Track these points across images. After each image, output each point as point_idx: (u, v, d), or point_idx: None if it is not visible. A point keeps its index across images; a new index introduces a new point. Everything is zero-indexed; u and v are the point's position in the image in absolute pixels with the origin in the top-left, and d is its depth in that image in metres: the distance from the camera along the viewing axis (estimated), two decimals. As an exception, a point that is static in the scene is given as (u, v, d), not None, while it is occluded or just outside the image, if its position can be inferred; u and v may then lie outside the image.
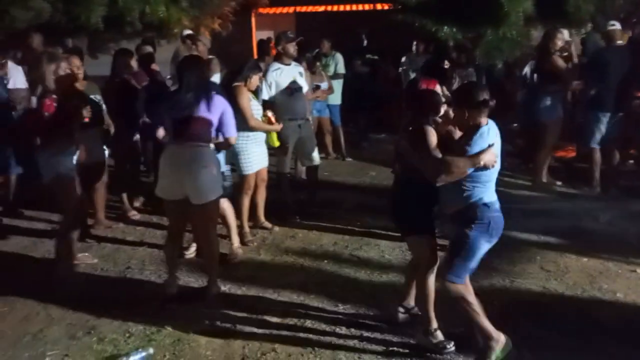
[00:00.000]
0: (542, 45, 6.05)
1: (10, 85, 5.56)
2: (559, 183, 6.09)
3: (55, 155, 4.00)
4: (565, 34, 6.22)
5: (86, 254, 4.37)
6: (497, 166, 2.88)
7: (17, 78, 5.69)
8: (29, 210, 5.38)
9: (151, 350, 3.14)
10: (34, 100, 5.68)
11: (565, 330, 3.32)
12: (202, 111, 3.48)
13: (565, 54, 6.09)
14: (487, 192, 2.89)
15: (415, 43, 8.05)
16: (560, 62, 5.84)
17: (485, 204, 2.87)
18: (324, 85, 6.68)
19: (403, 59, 8.16)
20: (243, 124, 4.26)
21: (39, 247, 4.59)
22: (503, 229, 2.95)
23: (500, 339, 2.96)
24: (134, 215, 5.28)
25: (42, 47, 6.63)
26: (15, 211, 5.33)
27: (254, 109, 4.50)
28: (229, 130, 3.60)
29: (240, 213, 4.60)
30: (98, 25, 6.09)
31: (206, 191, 3.52)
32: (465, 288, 2.95)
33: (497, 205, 2.94)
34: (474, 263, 2.94)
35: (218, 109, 3.53)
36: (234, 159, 4.54)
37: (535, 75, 6.16)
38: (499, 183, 3.01)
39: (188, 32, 6.99)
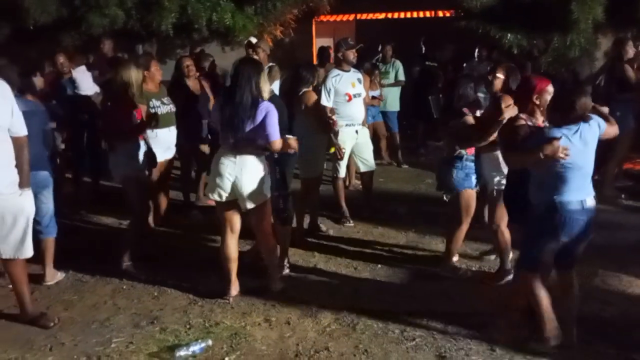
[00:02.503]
0: (612, 54, 5.85)
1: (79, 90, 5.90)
2: (624, 196, 5.86)
3: (125, 156, 4.23)
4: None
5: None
6: (575, 165, 2.95)
7: (85, 83, 6.02)
8: (98, 207, 5.68)
9: (210, 342, 3.28)
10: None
11: (626, 345, 3.21)
12: (247, 117, 3.50)
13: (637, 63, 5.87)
14: (561, 189, 2.99)
15: (477, 50, 7.95)
16: (631, 72, 5.63)
17: (559, 202, 2.99)
18: (376, 93, 6.81)
19: (464, 66, 8.07)
20: (311, 127, 4.31)
21: (106, 242, 4.84)
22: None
23: (554, 335, 3.11)
24: (197, 215, 5.49)
25: (113, 53, 7.05)
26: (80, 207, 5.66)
27: None
28: (272, 134, 3.56)
29: (299, 215, 4.70)
30: (168, 31, 6.41)
31: (254, 196, 3.60)
32: (532, 277, 3.12)
33: (575, 206, 3.00)
34: (537, 253, 3.11)
35: (261, 114, 3.52)
36: (299, 162, 4.57)
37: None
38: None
39: (252, 39, 7.20)
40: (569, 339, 3.17)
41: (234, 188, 3.59)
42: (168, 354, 3.20)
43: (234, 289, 3.79)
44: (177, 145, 5.13)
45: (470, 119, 3.78)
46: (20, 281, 3.51)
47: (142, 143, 4.37)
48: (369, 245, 4.76)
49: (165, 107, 4.96)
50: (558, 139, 2.87)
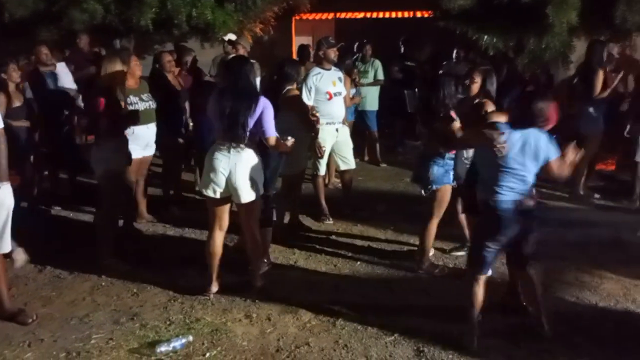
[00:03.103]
0: (586, 57, 6.01)
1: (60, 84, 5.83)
2: (597, 195, 6.03)
3: (106, 151, 4.20)
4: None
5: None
6: (509, 167, 3.10)
7: (65, 78, 5.94)
8: (76, 203, 5.60)
9: (190, 338, 3.29)
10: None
11: (597, 340, 3.33)
12: (245, 112, 3.55)
13: (610, 66, 6.04)
14: (497, 188, 3.15)
15: (455, 50, 8.05)
16: (601, 76, 5.79)
17: (493, 200, 3.17)
18: (352, 92, 6.83)
19: (443, 65, 8.17)
20: (294, 124, 4.34)
21: (84, 239, 4.77)
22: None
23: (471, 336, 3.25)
24: (175, 211, 5.47)
25: (89, 48, 6.97)
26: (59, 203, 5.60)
27: None
28: (269, 130, 3.64)
29: (280, 212, 4.72)
30: (148, 27, 6.35)
31: (248, 191, 3.63)
32: (475, 275, 3.27)
33: (509, 205, 3.13)
34: (479, 252, 3.26)
35: (258, 109, 3.60)
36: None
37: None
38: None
39: (230, 36, 7.16)
40: (542, 331, 3.30)
41: (228, 183, 3.60)
42: (149, 349, 3.20)
43: (215, 285, 3.81)
44: (158, 141, 5.11)
45: (457, 124, 3.80)
46: (-2, 277, 3.47)
47: (124, 139, 4.35)
48: (348, 242, 4.82)
49: (144, 103, 4.93)
50: (502, 132, 3.07)
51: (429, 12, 8.91)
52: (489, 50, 7.23)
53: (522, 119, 3.16)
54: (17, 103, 5.18)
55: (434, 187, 4.04)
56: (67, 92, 6.04)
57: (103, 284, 4.00)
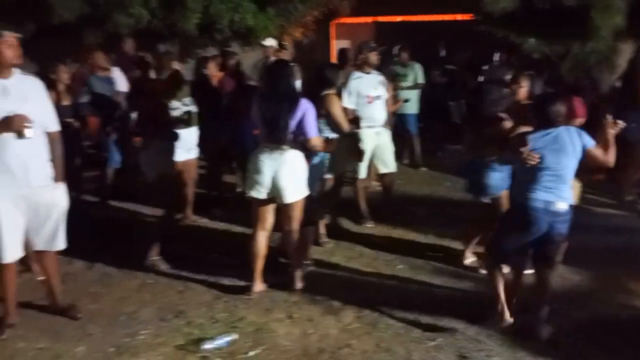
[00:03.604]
0: (633, 62, 5.86)
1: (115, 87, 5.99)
2: (644, 202, 5.87)
3: (157, 153, 4.32)
4: None
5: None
6: (544, 166, 3.18)
7: (120, 81, 6.11)
8: (124, 203, 5.78)
9: (235, 336, 3.35)
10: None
11: (638, 345, 3.27)
12: (286, 114, 3.61)
13: None
14: (529, 187, 3.24)
15: (497, 54, 7.96)
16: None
17: (525, 199, 3.25)
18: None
19: (484, 70, 8.08)
20: (333, 128, 4.38)
21: (132, 238, 4.89)
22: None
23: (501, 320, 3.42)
24: (218, 212, 5.56)
25: (134, 52, 7.15)
26: (106, 203, 5.77)
27: None
28: (311, 131, 3.70)
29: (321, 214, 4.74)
30: (191, 31, 6.52)
31: (292, 192, 3.69)
32: (494, 268, 3.49)
33: (539, 205, 3.21)
34: (502, 246, 3.43)
35: (300, 111, 3.66)
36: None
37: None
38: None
39: (269, 41, 7.20)
40: (538, 333, 3.33)
41: (273, 184, 3.66)
42: (194, 346, 3.27)
43: (258, 285, 3.85)
44: (200, 144, 5.21)
45: (509, 123, 3.81)
46: (51, 273, 3.60)
47: (171, 142, 4.45)
48: (389, 245, 4.81)
49: (186, 108, 5.05)
50: (527, 144, 3.18)
51: (470, 15, 8.84)
52: (533, 54, 7.14)
53: (544, 123, 3.25)
54: (65, 102, 5.37)
55: (495, 193, 4.01)
56: (116, 95, 6.21)
57: (149, 281, 4.11)
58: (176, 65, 5.06)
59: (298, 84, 5.74)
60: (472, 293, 3.95)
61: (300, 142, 3.71)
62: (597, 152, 3.28)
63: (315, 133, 3.73)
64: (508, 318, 3.42)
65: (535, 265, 3.44)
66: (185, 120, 4.93)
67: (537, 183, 3.21)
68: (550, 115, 3.22)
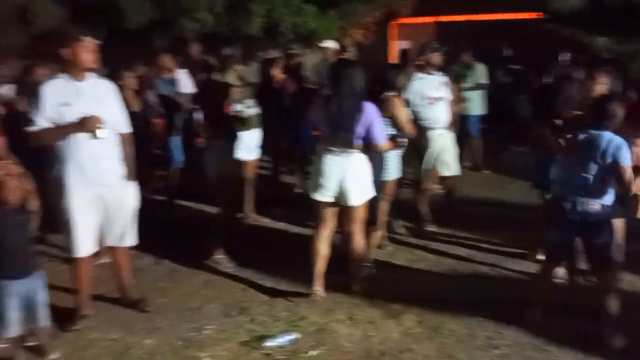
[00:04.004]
0: None
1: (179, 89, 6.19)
2: None
3: (218, 154, 4.43)
4: None
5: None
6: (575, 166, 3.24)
7: (184, 82, 6.31)
8: (190, 201, 5.96)
9: (297, 335, 3.38)
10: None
11: None
12: (353, 117, 3.60)
13: None
14: (561, 185, 3.41)
15: (565, 53, 7.66)
16: None
17: (556, 196, 3.46)
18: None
19: (554, 69, 7.79)
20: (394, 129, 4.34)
21: (197, 235, 5.01)
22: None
23: None
24: (278, 211, 5.65)
25: (200, 55, 7.35)
26: (172, 202, 5.97)
27: None
28: (378, 137, 3.68)
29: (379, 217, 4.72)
30: (254, 34, 6.66)
31: (357, 195, 3.67)
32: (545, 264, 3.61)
33: (566, 204, 3.29)
34: (546, 242, 3.58)
35: (367, 115, 3.64)
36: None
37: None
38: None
39: (329, 42, 7.19)
40: (609, 341, 3.25)
41: (339, 187, 3.66)
42: (257, 343, 3.33)
43: (320, 287, 3.85)
44: (263, 145, 5.31)
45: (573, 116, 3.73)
46: (123, 267, 3.77)
47: (233, 142, 4.56)
48: (451, 250, 4.73)
49: (250, 110, 5.15)
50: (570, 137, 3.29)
51: (535, 13, 8.57)
52: (603, 53, 6.84)
53: (595, 121, 3.22)
54: (134, 108, 5.59)
55: None
56: (179, 96, 6.41)
57: (214, 278, 4.22)
58: (239, 68, 5.16)
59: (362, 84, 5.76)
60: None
61: (368, 148, 3.69)
62: (624, 172, 3.10)
63: (383, 138, 3.71)
64: (538, 318, 3.48)
65: (592, 269, 3.47)
66: (247, 122, 5.04)
67: (570, 181, 3.28)
68: (606, 117, 3.18)
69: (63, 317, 3.50)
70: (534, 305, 3.58)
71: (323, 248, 3.81)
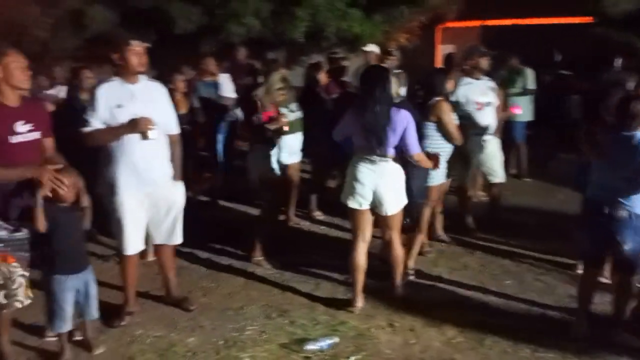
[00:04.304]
0: None
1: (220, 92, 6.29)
2: None
3: (260, 157, 4.48)
4: None
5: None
6: (605, 166, 3.27)
7: (227, 88, 6.41)
8: (233, 203, 6.04)
9: (337, 340, 3.38)
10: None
11: None
12: (386, 124, 3.50)
13: None
14: (591, 186, 3.40)
15: (617, 58, 7.40)
16: None
17: (587, 196, 3.48)
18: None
19: (604, 74, 7.53)
20: (440, 134, 4.30)
21: (239, 236, 5.09)
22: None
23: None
24: (319, 215, 5.67)
25: (245, 60, 7.46)
26: (216, 203, 6.07)
27: None
28: (413, 146, 3.58)
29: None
30: (299, 39, 6.70)
31: (393, 203, 3.63)
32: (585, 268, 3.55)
33: (595, 204, 3.32)
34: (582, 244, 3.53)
35: (402, 123, 3.54)
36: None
37: None
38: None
39: (371, 46, 7.14)
40: (614, 338, 3.33)
41: (374, 195, 3.60)
42: (297, 346, 3.34)
43: (360, 300, 3.78)
44: (305, 148, 5.33)
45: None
46: (168, 266, 3.85)
47: (275, 146, 4.59)
48: (495, 259, 4.62)
49: (292, 114, 5.18)
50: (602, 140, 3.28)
51: (587, 18, 8.33)
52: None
53: (624, 123, 3.21)
54: (182, 110, 5.73)
55: None
56: (220, 99, 6.51)
57: (255, 279, 4.26)
58: (283, 72, 5.20)
59: (404, 90, 5.71)
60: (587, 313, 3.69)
61: (402, 157, 3.63)
62: None
63: (417, 148, 3.60)
64: (584, 330, 3.41)
65: (618, 271, 3.47)
66: (290, 125, 5.06)
67: (604, 183, 3.27)
68: (628, 117, 3.18)
69: (109, 313, 3.60)
70: (579, 316, 3.47)
71: (361, 260, 3.73)
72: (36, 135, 3.06)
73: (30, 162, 3.00)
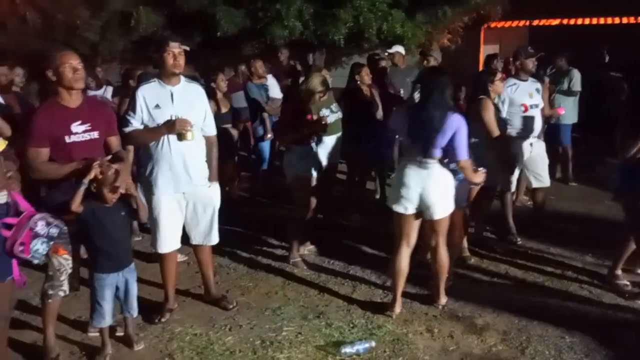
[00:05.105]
0: None
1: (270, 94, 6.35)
2: None
3: (298, 157, 4.48)
4: None
5: (311, 247, 4.81)
6: None
7: (274, 88, 6.46)
8: (273, 202, 6.08)
9: (373, 343, 3.34)
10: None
11: None
12: (435, 128, 3.42)
13: None
14: None
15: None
16: None
17: None
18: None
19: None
20: (485, 135, 4.22)
21: (277, 236, 5.11)
22: None
23: None
24: (357, 217, 5.63)
25: (287, 62, 7.50)
26: (256, 203, 6.12)
27: None
28: (461, 153, 3.47)
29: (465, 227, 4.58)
30: (340, 41, 6.68)
31: (441, 208, 3.54)
32: None
33: None
34: None
35: (452, 127, 3.43)
36: None
37: None
38: None
39: (396, 48, 7.00)
40: None
41: (421, 200, 3.53)
42: (334, 348, 3.32)
43: (399, 304, 3.74)
44: (345, 149, 5.30)
45: None
46: (206, 265, 3.90)
47: (313, 146, 4.59)
48: (538, 265, 4.48)
49: (333, 115, 5.16)
50: None
51: (635, 17, 8.01)
52: None
53: None
54: (224, 110, 5.82)
55: None
56: (269, 101, 6.56)
57: (292, 280, 4.27)
58: (324, 73, 5.21)
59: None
60: (633, 324, 3.54)
61: (449, 162, 3.54)
62: None
63: (465, 154, 3.48)
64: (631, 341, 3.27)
65: None
66: (324, 127, 5.04)
67: None
68: None
69: (150, 310, 3.68)
70: (625, 327, 3.33)
71: (403, 265, 3.66)
72: (93, 135, 3.15)
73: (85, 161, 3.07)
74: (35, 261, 2.82)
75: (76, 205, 2.99)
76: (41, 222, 2.79)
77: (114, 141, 3.29)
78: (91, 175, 2.99)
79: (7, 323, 3.01)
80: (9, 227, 2.72)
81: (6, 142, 3.11)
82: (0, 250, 2.73)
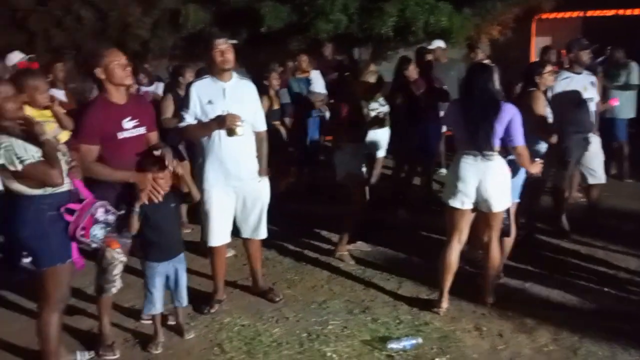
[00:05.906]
0: None
1: (312, 88, 6.36)
2: None
3: (349, 155, 4.47)
4: None
5: (359, 243, 4.79)
6: None
7: (318, 82, 6.46)
8: (316, 197, 6.09)
9: (420, 340, 3.32)
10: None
11: None
12: (491, 119, 3.41)
13: None
14: None
15: None
16: None
17: None
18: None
19: None
20: (532, 129, 4.10)
21: (323, 230, 5.16)
22: None
23: None
24: (403, 213, 5.59)
25: (332, 56, 7.48)
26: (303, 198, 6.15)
27: None
28: (517, 138, 3.46)
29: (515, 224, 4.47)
30: (386, 34, 6.63)
31: (499, 201, 3.49)
32: None
33: None
34: None
35: (506, 115, 3.44)
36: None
37: None
38: None
39: (437, 42, 6.85)
40: None
41: (478, 193, 3.48)
42: (380, 344, 3.31)
43: (446, 301, 3.69)
44: (392, 144, 5.28)
45: None
46: (255, 258, 3.96)
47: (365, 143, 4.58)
48: (592, 264, 4.34)
49: (382, 108, 5.16)
50: None
51: None
52: None
53: None
54: (275, 106, 5.88)
55: None
56: (312, 96, 6.57)
57: (338, 274, 4.28)
58: (372, 68, 5.17)
59: (497, 85, 5.50)
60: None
61: (506, 149, 3.49)
62: None
63: (521, 140, 3.45)
64: None
65: None
66: (380, 121, 5.03)
67: None
68: None
69: (200, 300, 3.77)
70: None
71: (453, 261, 3.61)
72: (141, 130, 3.24)
73: (135, 156, 3.16)
74: (94, 244, 2.91)
75: (134, 229, 3.15)
76: (101, 209, 2.89)
77: (154, 136, 3.36)
78: (143, 199, 3.11)
79: (64, 307, 3.12)
80: (71, 212, 2.82)
81: (70, 133, 3.22)
82: (61, 234, 2.83)
